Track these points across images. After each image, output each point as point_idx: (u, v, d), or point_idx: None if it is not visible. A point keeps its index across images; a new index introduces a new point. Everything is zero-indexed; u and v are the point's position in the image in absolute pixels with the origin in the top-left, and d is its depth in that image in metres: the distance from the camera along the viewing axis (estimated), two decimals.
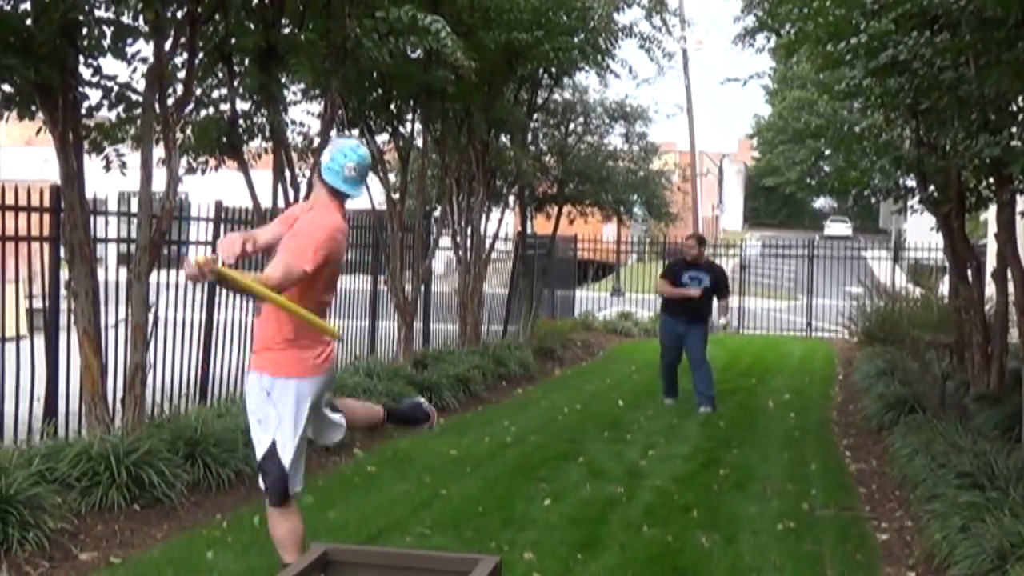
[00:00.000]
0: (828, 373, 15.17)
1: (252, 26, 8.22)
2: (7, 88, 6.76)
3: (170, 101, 7.16)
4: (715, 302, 11.41)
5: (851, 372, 14.48)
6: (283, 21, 8.44)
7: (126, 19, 6.90)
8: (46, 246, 7.08)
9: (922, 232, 18.18)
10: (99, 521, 5.83)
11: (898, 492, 7.27)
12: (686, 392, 11.20)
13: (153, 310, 7.15)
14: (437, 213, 14.10)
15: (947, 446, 7.12)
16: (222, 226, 8.79)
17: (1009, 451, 6.80)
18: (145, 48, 7.13)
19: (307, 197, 8.79)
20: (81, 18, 6.53)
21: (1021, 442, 7.33)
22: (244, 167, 8.70)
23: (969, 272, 10.07)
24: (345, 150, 4.61)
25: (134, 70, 7.29)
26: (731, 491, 7.36)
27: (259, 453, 4.55)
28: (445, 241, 13.71)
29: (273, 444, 4.48)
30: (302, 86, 11.00)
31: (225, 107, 8.58)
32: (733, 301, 20.99)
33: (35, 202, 6.91)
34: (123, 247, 7.58)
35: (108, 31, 6.76)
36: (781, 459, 8.59)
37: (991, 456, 6.54)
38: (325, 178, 4.59)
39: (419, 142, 12.25)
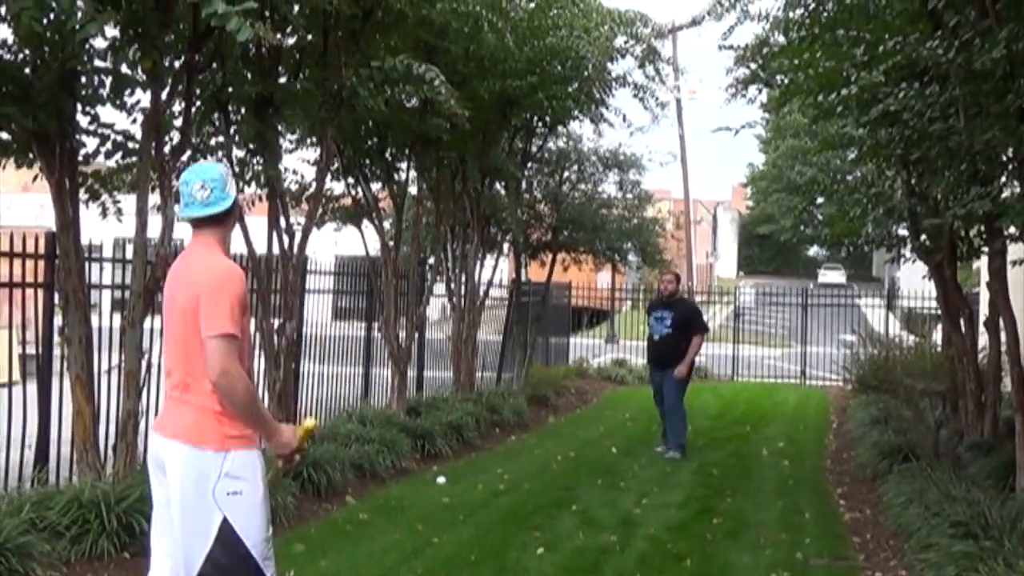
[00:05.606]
0: (822, 421, 15.14)
1: (249, 75, 8.31)
2: (4, 136, 6.81)
3: (167, 149, 7.21)
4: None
5: (845, 420, 14.45)
6: (279, 70, 8.53)
7: (125, 68, 6.96)
8: (40, 292, 7.08)
9: (915, 280, 18.23)
10: (88, 569, 5.78)
11: (892, 541, 7.24)
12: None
13: (147, 357, 7.15)
14: (432, 260, 14.14)
15: (941, 495, 7.11)
16: None
17: (1003, 500, 6.78)
18: (144, 97, 7.18)
19: (292, 244, 8.84)
20: (80, 67, 6.59)
21: (1015, 491, 7.31)
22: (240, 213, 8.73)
23: (962, 321, 10.09)
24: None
25: (133, 120, 7.35)
26: (725, 540, 7.33)
27: None
28: (439, 288, 13.73)
29: None
30: (298, 134, 11.09)
31: (221, 155, 8.64)
32: (726, 348, 21.04)
33: (30, 248, 6.93)
34: (118, 293, 7.59)
35: (107, 80, 6.82)
36: (775, 507, 8.56)
37: (985, 505, 6.53)
38: None
39: (414, 190, 12.34)
